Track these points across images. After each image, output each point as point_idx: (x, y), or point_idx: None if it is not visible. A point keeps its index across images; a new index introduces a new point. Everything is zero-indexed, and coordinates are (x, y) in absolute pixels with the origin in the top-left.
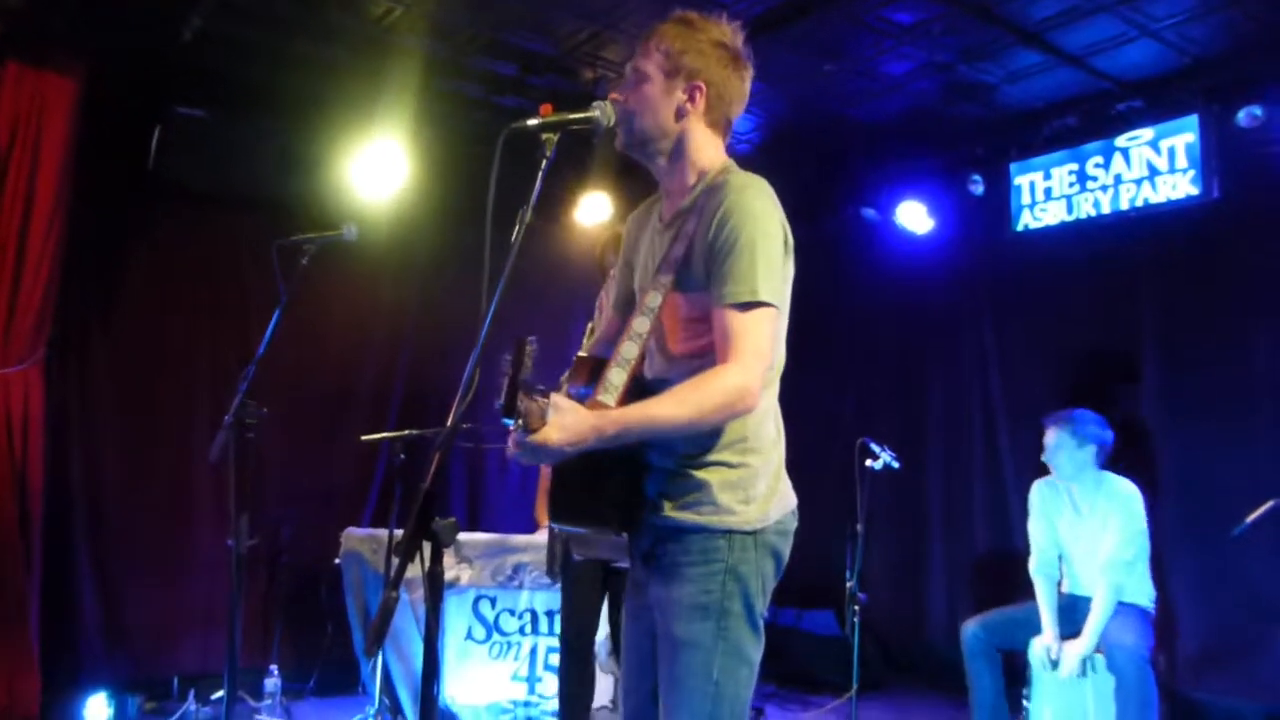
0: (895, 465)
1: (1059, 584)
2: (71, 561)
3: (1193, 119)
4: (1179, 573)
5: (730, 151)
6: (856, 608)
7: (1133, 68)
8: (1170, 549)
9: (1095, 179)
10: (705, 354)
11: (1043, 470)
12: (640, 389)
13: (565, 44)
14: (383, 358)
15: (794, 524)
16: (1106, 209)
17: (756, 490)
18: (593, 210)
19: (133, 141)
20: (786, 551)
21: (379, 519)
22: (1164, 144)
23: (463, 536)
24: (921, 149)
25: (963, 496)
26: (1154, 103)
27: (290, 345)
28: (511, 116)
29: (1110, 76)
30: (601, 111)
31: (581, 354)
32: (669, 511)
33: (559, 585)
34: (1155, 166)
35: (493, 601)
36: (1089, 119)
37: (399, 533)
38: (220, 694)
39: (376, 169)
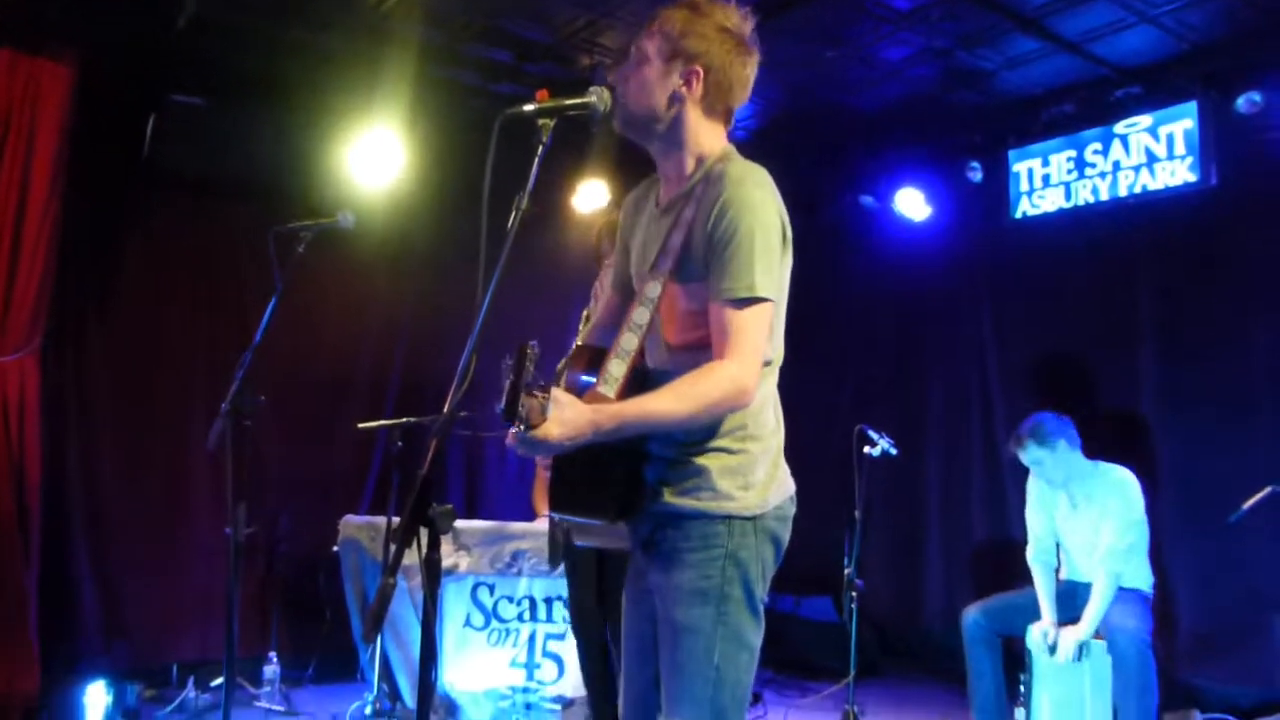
0: (893, 452)
1: (1057, 571)
2: (69, 550)
3: (1191, 105)
4: (1177, 560)
5: (729, 138)
6: (854, 594)
7: (1131, 54)
8: (1168, 536)
9: (1094, 166)
10: (703, 345)
11: None
12: (641, 379)
13: (562, 31)
14: (380, 345)
15: (793, 510)
16: (1105, 196)
17: (756, 476)
18: (590, 197)
19: (128, 129)
20: (786, 537)
21: (377, 506)
22: (1163, 130)
23: (461, 524)
24: (920, 136)
25: (960, 483)
26: (1152, 89)
27: (287, 333)
28: (508, 104)
29: (1109, 63)
30: (598, 97)
31: (579, 342)
32: (669, 498)
33: (558, 573)
34: (1154, 153)
35: (491, 588)
36: (1087, 106)
37: (396, 520)
38: (219, 681)
39: (373, 157)
